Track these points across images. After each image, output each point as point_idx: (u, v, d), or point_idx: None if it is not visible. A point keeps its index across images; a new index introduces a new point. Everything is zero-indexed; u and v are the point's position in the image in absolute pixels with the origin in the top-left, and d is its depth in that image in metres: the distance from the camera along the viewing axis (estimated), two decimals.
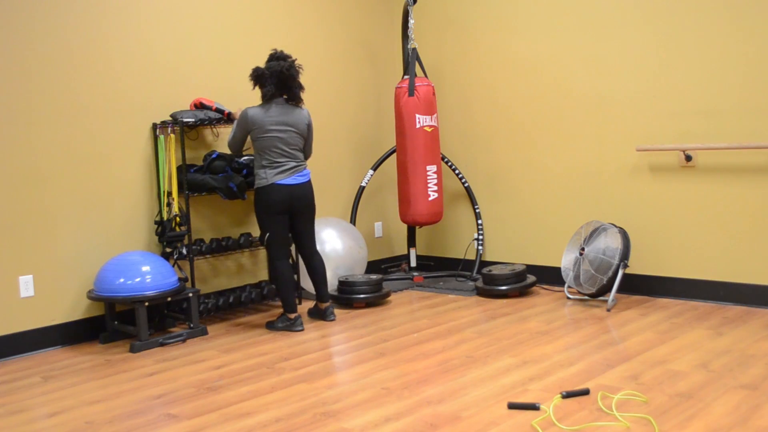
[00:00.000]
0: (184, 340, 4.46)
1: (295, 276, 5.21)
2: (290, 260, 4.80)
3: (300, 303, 5.32)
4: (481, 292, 5.32)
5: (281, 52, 4.60)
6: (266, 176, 4.54)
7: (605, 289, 4.80)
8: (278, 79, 4.52)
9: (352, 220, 5.96)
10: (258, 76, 4.56)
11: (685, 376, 3.39)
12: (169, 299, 4.43)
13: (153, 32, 4.85)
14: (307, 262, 4.80)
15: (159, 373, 3.85)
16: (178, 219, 4.73)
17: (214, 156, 4.90)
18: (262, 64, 4.72)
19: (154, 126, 4.82)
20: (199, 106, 4.89)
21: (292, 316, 4.61)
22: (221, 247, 4.94)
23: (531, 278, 5.34)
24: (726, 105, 4.67)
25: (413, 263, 6.05)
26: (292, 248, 5.26)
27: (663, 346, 3.89)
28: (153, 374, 3.83)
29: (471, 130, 6.02)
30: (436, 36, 6.16)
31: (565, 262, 5.03)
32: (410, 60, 5.67)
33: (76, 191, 4.52)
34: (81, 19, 4.52)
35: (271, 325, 4.68)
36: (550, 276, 5.57)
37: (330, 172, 5.95)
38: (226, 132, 5.25)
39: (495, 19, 5.77)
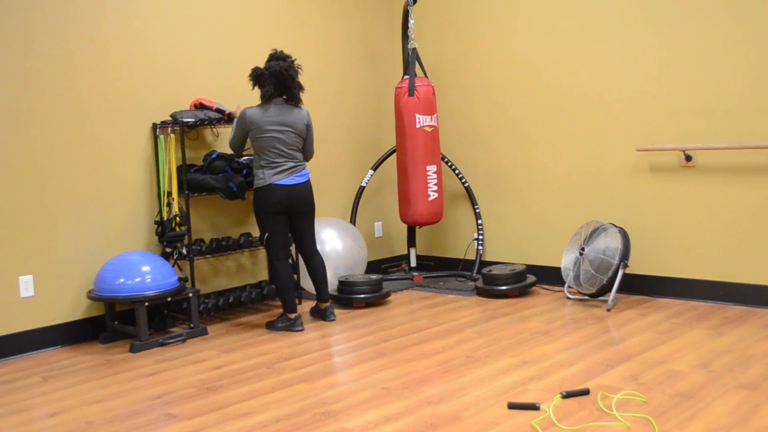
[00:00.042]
0: (184, 340, 4.46)
1: (295, 276, 5.22)
2: (290, 260, 4.80)
3: (300, 303, 5.32)
4: (481, 292, 5.32)
5: (281, 52, 4.60)
6: (264, 176, 4.54)
7: (605, 289, 4.80)
8: (277, 79, 4.52)
9: (352, 220, 5.96)
10: (257, 76, 4.56)
11: (685, 376, 3.39)
12: (169, 299, 4.43)
13: (153, 32, 4.85)
14: (307, 262, 4.80)
15: (159, 373, 3.85)
16: (178, 219, 4.73)
17: (214, 156, 4.90)
18: (262, 64, 4.73)
19: (154, 126, 4.82)
20: (199, 106, 4.89)
21: (292, 316, 4.61)
22: (221, 247, 4.94)
23: (531, 278, 5.34)
24: (726, 105, 4.67)
25: (413, 263, 6.05)
26: (292, 248, 5.27)
27: (663, 346, 3.89)
28: (153, 374, 3.83)
29: (471, 130, 6.02)
30: (436, 36, 6.16)
31: (565, 262, 5.03)
32: (410, 60, 5.67)
33: (76, 191, 4.52)
34: (81, 19, 4.52)
35: (271, 325, 4.68)
36: (550, 276, 5.57)
37: (330, 172, 5.96)
38: (226, 132, 5.25)
39: (495, 19, 5.78)
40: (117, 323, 4.50)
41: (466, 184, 6.00)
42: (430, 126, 5.62)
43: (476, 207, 5.95)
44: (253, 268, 5.45)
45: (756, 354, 3.67)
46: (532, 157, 5.65)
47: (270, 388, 3.51)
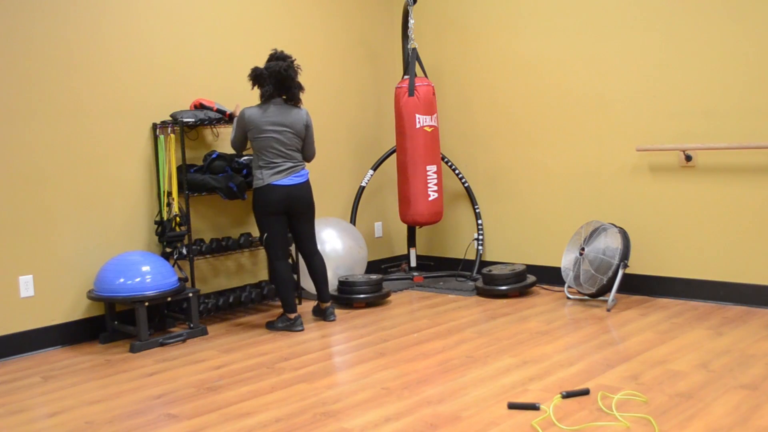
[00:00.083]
0: (184, 340, 4.46)
1: (295, 276, 5.22)
2: (290, 260, 4.80)
3: (300, 303, 5.33)
4: (481, 292, 5.32)
5: (281, 52, 4.60)
6: (263, 177, 4.54)
7: (605, 289, 4.80)
8: (276, 79, 4.52)
9: (352, 220, 5.96)
10: (256, 76, 4.56)
11: (685, 376, 3.39)
12: (169, 299, 4.43)
13: (153, 32, 4.85)
14: (307, 262, 4.80)
15: (159, 373, 3.85)
16: (178, 219, 4.73)
17: (214, 156, 4.90)
18: (262, 64, 4.73)
19: (154, 126, 4.82)
20: (199, 107, 4.89)
21: (292, 316, 4.61)
22: (221, 247, 4.94)
23: (531, 278, 5.34)
24: (726, 105, 4.67)
25: (413, 263, 6.05)
26: (293, 248, 5.27)
27: (663, 346, 3.89)
28: (153, 374, 3.83)
29: (471, 130, 6.02)
30: (436, 36, 6.16)
31: (565, 262, 5.03)
32: (410, 60, 5.67)
33: (76, 191, 4.52)
34: (81, 19, 4.52)
35: (271, 325, 4.68)
36: (550, 276, 5.57)
37: (330, 172, 5.96)
38: (226, 132, 5.25)
39: (495, 19, 5.77)
40: (117, 323, 4.50)
41: (466, 184, 6.00)
42: (430, 126, 5.62)
43: (476, 207, 5.95)
44: (253, 268, 5.45)
45: (756, 354, 3.67)
46: (532, 157, 5.65)
47: (270, 388, 3.51)
